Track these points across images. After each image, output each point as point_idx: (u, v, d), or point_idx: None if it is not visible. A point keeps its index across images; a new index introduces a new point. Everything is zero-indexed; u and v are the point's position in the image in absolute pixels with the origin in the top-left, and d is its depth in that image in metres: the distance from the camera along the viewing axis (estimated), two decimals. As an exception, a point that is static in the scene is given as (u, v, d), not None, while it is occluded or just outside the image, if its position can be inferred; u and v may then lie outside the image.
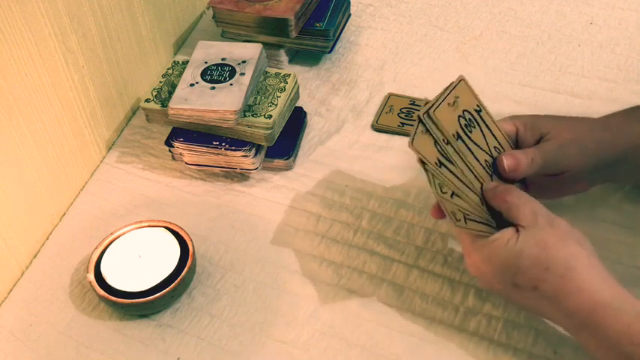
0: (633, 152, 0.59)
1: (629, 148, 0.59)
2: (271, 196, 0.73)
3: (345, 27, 0.92)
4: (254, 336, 0.60)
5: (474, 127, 0.56)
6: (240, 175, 0.75)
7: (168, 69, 0.76)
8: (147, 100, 0.73)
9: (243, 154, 0.71)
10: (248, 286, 0.64)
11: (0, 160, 0.62)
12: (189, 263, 0.62)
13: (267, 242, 0.68)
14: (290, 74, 0.74)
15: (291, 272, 0.65)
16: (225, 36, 0.89)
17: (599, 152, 0.58)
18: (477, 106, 0.57)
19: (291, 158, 0.74)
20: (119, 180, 0.76)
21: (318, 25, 0.86)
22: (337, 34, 0.89)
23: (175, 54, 0.92)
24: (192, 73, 0.73)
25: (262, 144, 0.71)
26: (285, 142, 0.74)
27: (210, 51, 0.76)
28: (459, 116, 0.55)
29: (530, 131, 0.59)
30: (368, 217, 0.69)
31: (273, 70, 0.75)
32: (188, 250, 0.63)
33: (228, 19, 0.86)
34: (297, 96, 0.76)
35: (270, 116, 0.69)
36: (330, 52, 0.87)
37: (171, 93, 0.72)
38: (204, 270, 0.66)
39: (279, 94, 0.72)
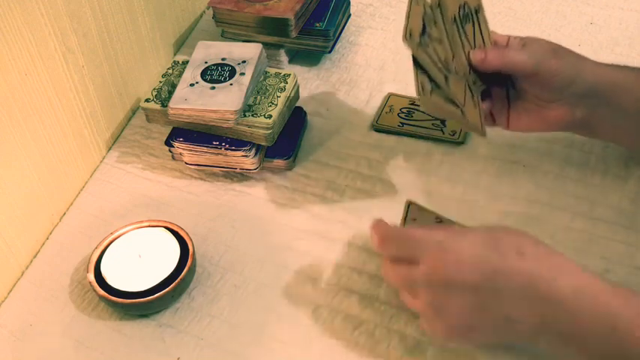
0: (606, 90, 0.60)
1: (602, 82, 0.60)
2: (271, 196, 0.73)
3: (345, 27, 0.92)
4: (254, 336, 0.60)
5: (468, 22, 0.60)
6: (240, 175, 0.75)
7: (168, 69, 0.76)
8: (147, 100, 0.73)
9: (243, 154, 0.71)
10: (248, 286, 0.64)
11: (0, 160, 0.62)
12: (189, 263, 0.62)
13: (267, 242, 0.68)
14: (290, 74, 0.74)
15: (291, 272, 0.65)
16: (225, 36, 0.89)
17: (574, 67, 0.60)
18: (478, 6, 0.60)
19: (291, 158, 0.74)
20: (119, 180, 0.76)
21: (318, 25, 0.86)
22: (337, 34, 0.89)
23: (175, 54, 0.92)
24: (192, 73, 0.73)
25: (262, 144, 0.71)
26: (285, 142, 0.74)
27: (210, 51, 0.76)
28: (460, 6, 0.59)
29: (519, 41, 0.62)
30: (368, 217, 0.69)
31: (273, 70, 0.75)
32: (188, 250, 0.63)
33: (228, 19, 0.86)
34: (297, 96, 0.76)
35: (270, 116, 0.69)
36: (330, 52, 0.87)
37: (171, 93, 0.72)
38: (204, 270, 0.66)
39: (279, 94, 0.72)
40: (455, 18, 0.59)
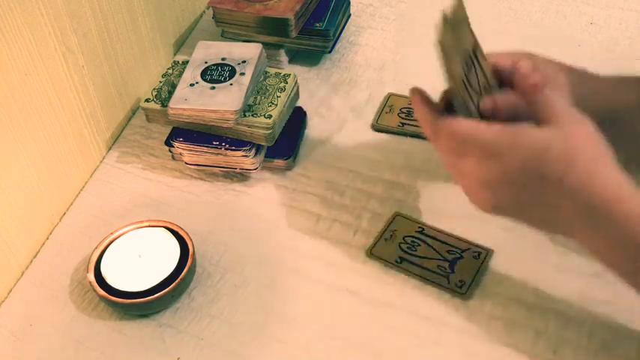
0: (626, 116, 0.59)
1: (621, 108, 0.59)
2: (271, 196, 0.73)
3: (345, 27, 0.92)
4: (254, 336, 0.60)
5: (472, 70, 0.55)
6: (240, 175, 0.75)
7: (168, 69, 0.76)
8: (147, 100, 0.73)
9: (243, 154, 0.71)
10: (248, 286, 0.64)
11: (0, 160, 0.62)
12: (189, 263, 0.62)
13: (267, 242, 0.68)
14: (290, 74, 0.74)
15: (291, 272, 0.65)
16: (225, 36, 0.89)
17: (593, 103, 0.57)
18: (474, 45, 0.56)
19: (291, 158, 0.74)
20: (119, 180, 0.76)
21: (318, 25, 0.86)
22: (337, 34, 0.89)
23: (175, 54, 0.92)
24: (192, 73, 0.73)
25: (262, 144, 0.71)
26: (285, 142, 0.74)
27: (210, 51, 0.76)
28: (463, 61, 0.55)
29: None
30: (368, 217, 0.69)
31: (273, 70, 0.75)
32: (188, 250, 0.63)
33: (228, 19, 0.86)
34: (297, 96, 0.76)
35: (270, 116, 0.69)
36: (330, 52, 0.87)
37: (171, 93, 0.72)
38: (204, 270, 0.66)
39: (279, 94, 0.72)
40: (462, 78, 0.55)
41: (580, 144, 0.50)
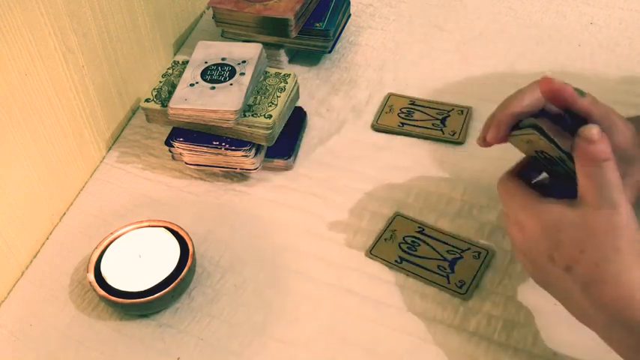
0: None
1: None
2: (271, 196, 0.73)
3: (345, 27, 0.92)
4: (254, 336, 0.60)
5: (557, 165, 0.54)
6: (240, 175, 0.75)
7: (168, 69, 0.76)
8: (147, 100, 0.73)
9: (243, 154, 0.71)
10: (248, 286, 0.64)
11: (0, 160, 0.62)
12: (189, 263, 0.62)
13: (267, 242, 0.68)
14: (290, 74, 0.74)
15: (291, 272, 0.65)
16: (225, 36, 0.89)
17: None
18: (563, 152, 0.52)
19: (291, 158, 0.75)
20: (119, 180, 0.76)
21: (318, 25, 0.86)
22: (337, 34, 0.89)
23: (175, 54, 0.92)
24: (192, 73, 0.73)
25: (262, 144, 0.71)
26: (285, 142, 0.74)
27: (210, 51, 0.76)
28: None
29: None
30: (368, 217, 0.69)
31: (273, 70, 0.75)
32: (188, 250, 0.63)
33: (228, 19, 0.86)
34: (297, 96, 0.76)
35: (270, 116, 0.69)
36: (330, 52, 0.87)
37: (171, 93, 0.72)
38: (204, 270, 0.66)
39: (279, 94, 0.72)
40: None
41: (597, 239, 0.47)
